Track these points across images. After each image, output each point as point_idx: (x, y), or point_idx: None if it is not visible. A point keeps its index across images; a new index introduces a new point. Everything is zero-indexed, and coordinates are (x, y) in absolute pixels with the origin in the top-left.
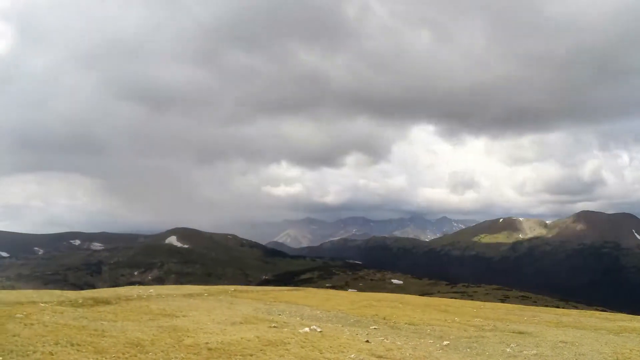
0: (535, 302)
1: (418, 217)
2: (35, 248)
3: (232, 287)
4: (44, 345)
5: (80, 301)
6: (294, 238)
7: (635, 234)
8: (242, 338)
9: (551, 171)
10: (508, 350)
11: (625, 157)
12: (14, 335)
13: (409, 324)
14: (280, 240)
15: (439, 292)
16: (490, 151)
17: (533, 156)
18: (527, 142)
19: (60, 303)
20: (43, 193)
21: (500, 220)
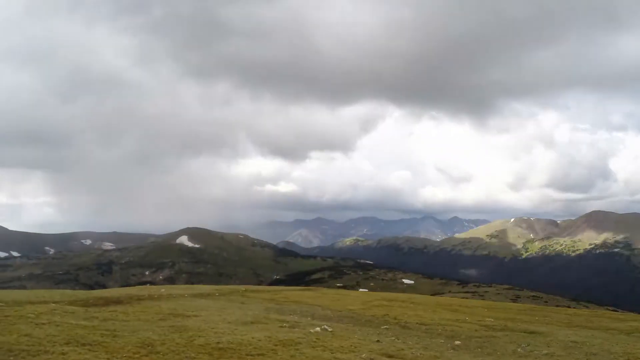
0: (547, 302)
1: (429, 217)
2: (47, 247)
3: (243, 287)
4: (55, 345)
5: (91, 301)
6: (305, 238)
7: None
8: (253, 338)
9: (551, 161)
10: (519, 350)
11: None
12: (26, 335)
13: (420, 324)
14: (291, 240)
15: (450, 292)
16: (476, 138)
17: (528, 142)
18: (517, 123)
19: (72, 303)
20: None
21: (512, 220)
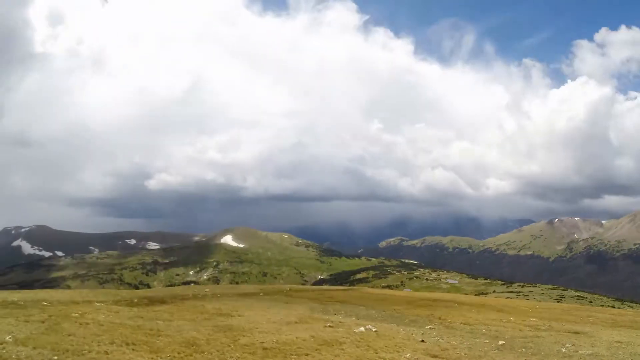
0: (591, 302)
1: (474, 217)
2: (91, 247)
3: (287, 287)
4: (99, 345)
5: (136, 300)
6: (350, 237)
7: None
8: (297, 337)
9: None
10: (563, 350)
11: None
12: (70, 335)
13: (465, 324)
14: (335, 240)
15: (494, 291)
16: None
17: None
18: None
19: (116, 302)
20: None
21: (556, 220)
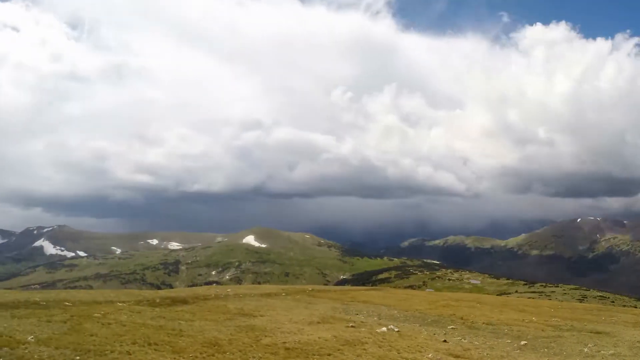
0: (613, 302)
1: (496, 217)
2: (113, 247)
3: (309, 287)
4: (121, 345)
5: (158, 301)
6: (372, 237)
7: None
8: (319, 338)
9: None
10: (585, 350)
11: None
12: (92, 335)
13: (487, 324)
14: (357, 240)
15: (516, 292)
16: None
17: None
18: None
19: (138, 302)
20: None
21: (578, 220)
